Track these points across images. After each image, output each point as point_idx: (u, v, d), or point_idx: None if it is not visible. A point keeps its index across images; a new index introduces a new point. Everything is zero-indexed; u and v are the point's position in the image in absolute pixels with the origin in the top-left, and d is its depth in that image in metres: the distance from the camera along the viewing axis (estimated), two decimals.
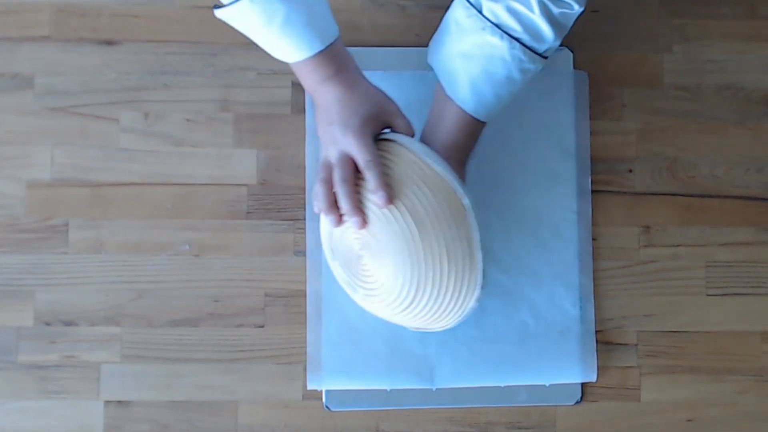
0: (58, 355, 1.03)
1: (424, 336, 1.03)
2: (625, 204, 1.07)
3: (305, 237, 1.04)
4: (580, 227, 1.06)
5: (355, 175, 0.91)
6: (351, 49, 0.95)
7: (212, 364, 1.03)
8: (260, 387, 1.03)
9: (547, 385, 1.04)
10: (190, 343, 1.03)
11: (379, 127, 0.94)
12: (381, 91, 0.95)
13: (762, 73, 1.10)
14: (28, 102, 1.05)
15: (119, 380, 1.03)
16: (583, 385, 1.05)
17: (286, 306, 1.04)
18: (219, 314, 1.04)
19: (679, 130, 1.09)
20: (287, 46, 0.91)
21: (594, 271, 1.06)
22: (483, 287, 0.93)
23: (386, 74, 1.04)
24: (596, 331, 1.05)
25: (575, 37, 1.00)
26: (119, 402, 1.03)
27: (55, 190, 1.04)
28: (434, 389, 1.03)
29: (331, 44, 0.92)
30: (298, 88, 1.06)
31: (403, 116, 0.95)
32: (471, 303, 0.93)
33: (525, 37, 0.92)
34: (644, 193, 1.08)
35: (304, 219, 1.05)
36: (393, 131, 0.95)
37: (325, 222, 0.94)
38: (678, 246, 1.07)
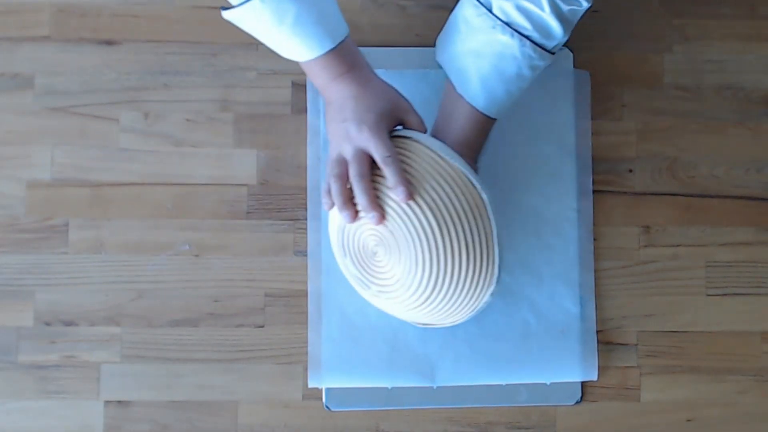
0: (58, 355, 1.03)
1: (424, 334, 1.03)
2: (625, 204, 1.07)
3: (305, 237, 1.04)
4: (581, 226, 1.06)
5: (371, 170, 0.91)
6: None
7: (212, 364, 1.03)
8: (260, 387, 1.03)
9: (548, 383, 1.04)
10: (190, 343, 1.03)
11: (393, 123, 0.94)
12: (393, 88, 0.96)
13: (762, 73, 1.10)
14: (28, 102, 1.05)
15: (119, 380, 1.03)
16: (583, 384, 1.05)
17: (286, 306, 1.04)
18: (219, 314, 1.04)
19: (679, 130, 1.09)
20: (298, 45, 0.91)
21: (594, 271, 1.06)
22: (498, 281, 0.93)
23: (387, 73, 1.04)
24: (597, 331, 1.05)
25: (575, 37, 1.00)
26: (119, 402, 1.03)
27: (55, 190, 1.04)
28: (435, 387, 1.03)
29: (342, 42, 0.92)
30: (298, 88, 1.06)
31: (416, 113, 0.96)
32: (486, 297, 0.94)
33: (535, 35, 0.93)
34: (644, 193, 1.08)
35: (305, 219, 1.05)
36: (405, 128, 0.96)
37: (336, 218, 0.94)
38: (678, 246, 1.07)
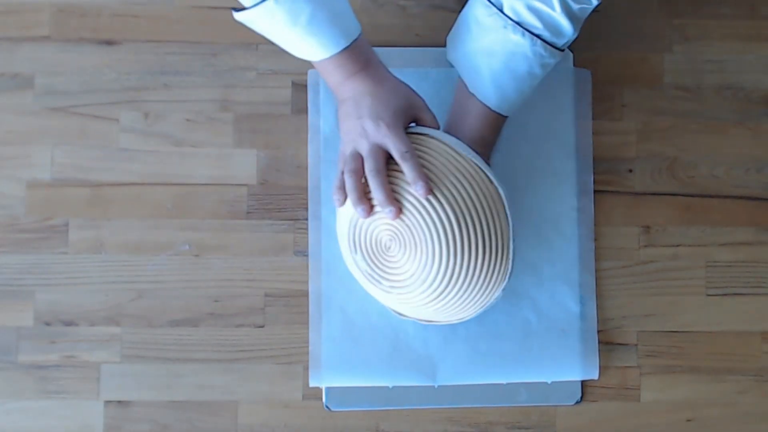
0: (58, 355, 1.03)
1: (425, 333, 1.03)
2: (625, 204, 1.07)
3: (305, 237, 1.04)
4: (581, 225, 1.06)
5: (386, 166, 0.91)
6: None
7: (212, 364, 1.03)
8: (260, 387, 1.03)
9: (549, 382, 1.04)
10: (190, 343, 1.03)
11: (408, 120, 0.95)
12: (407, 86, 0.97)
13: (762, 73, 1.10)
14: (28, 102, 1.05)
15: (119, 380, 1.03)
16: (583, 384, 1.05)
17: (286, 306, 1.04)
18: (219, 314, 1.04)
19: (679, 130, 1.09)
20: (312, 45, 0.92)
21: (595, 271, 1.06)
22: (510, 277, 0.94)
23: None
24: (597, 331, 1.05)
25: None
26: (119, 402, 1.03)
27: (55, 190, 1.04)
28: (436, 386, 1.03)
29: (356, 40, 0.93)
30: (298, 88, 1.06)
31: (429, 110, 0.97)
32: (498, 293, 0.95)
33: (546, 34, 0.94)
34: (644, 193, 1.08)
35: (305, 219, 1.05)
36: (418, 125, 0.96)
37: (347, 214, 0.94)
38: (678, 246, 1.07)
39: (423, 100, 0.97)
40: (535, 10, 0.92)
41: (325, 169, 1.04)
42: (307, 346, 1.03)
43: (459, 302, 0.94)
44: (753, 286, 1.07)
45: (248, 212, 1.05)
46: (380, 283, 0.94)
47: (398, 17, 1.08)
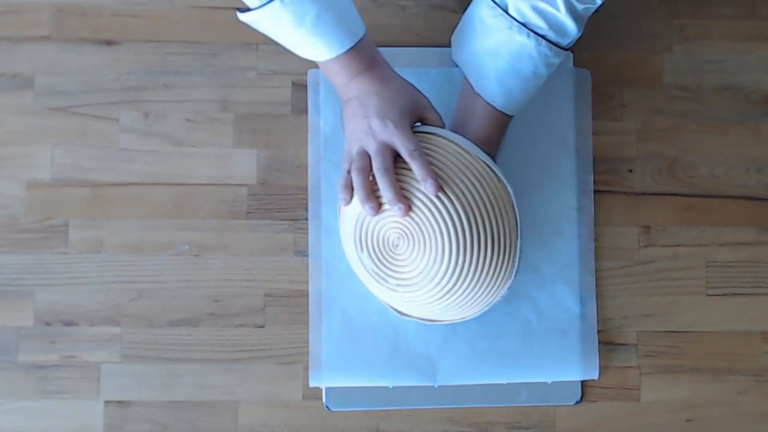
0: (58, 355, 1.03)
1: (425, 333, 1.03)
2: (625, 204, 1.07)
3: (305, 237, 1.04)
4: (581, 225, 1.06)
5: (394, 164, 0.92)
6: None
7: (212, 364, 1.03)
8: (260, 387, 1.03)
9: (549, 382, 1.04)
10: (190, 343, 1.03)
11: (414, 120, 0.95)
12: (413, 85, 0.97)
13: (762, 73, 1.10)
14: (28, 102, 1.05)
15: (119, 380, 1.03)
16: (583, 384, 1.05)
17: (286, 306, 1.04)
18: (219, 314, 1.04)
19: (679, 130, 1.09)
20: (318, 45, 0.92)
21: (595, 271, 1.06)
22: (516, 275, 0.95)
23: None
24: (597, 331, 1.05)
25: None
26: (119, 402, 1.03)
27: (55, 190, 1.04)
28: (436, 386, 1.03)
29: (361, 40, 0.93)
30: (298, 88, 1.06)
31: (435, 110, 0.97)
32: (504, 291, 0.95)
33: (550, 34, 0.94)
34: (644, 193, 1.08)
35: (305, 219, 1.05)
36: (424, 125, 0.97)
37: (353, 213, 0.94)
38: (678, 246, 1.07)
39: (428, 100, 0.97)
40: (539, 10, 0.93)
41: (325, 169, 1.04)
42: (307, 346, 1.03)
43: (465, 300, 0.94)
44: (753, 286, 1.07)
45: (248, 212, 1.05)
46: (387, 281, 0.94)
47: (398, 17, 1.08)
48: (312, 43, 0.92)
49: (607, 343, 1.06)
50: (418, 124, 0.97)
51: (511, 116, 1.00)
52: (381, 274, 0.94)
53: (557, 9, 0.93)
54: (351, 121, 0.95)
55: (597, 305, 1.05)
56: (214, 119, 1.06)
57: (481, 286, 0.93)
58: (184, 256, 1.04)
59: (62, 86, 1.05)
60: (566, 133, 1.07)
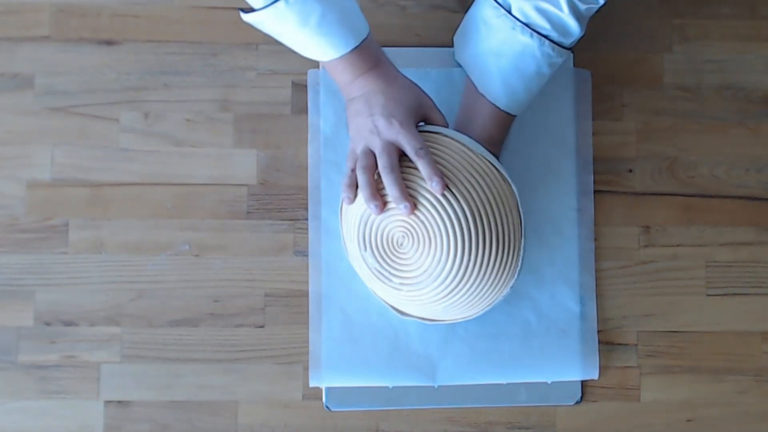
0: (58, 355, 1.03)
1: (425, 333, 1.03)
2: (625, 204, 1.07)
3: (305, 237, 1.04)
4: (582, 225, 1.06)
5: (400, 163, 0.92)
6: None
7: (212, 364, 1.03)
8: (260, 387, 1.03)
9: (549, 382, 1.04)
10: (190, 343, 1.03)
11: (418, 119, 0.96)
12: (417, 85, 0.97)
13: (762, 73, 1.10)
14: (28, 102, 1.05)
15: (119, 380, 1.03)
16: (583, 384, 1.05)
17: (286, 306, 1.04)
18: (219, 314, 1.04)
19: (679, 130, 1.09)
20: (322, 45, 0.92)
21: (595, 271, 1.06)
22: (519, 274, 0.95)
23: None
24: (597, 331, 1.05)
25: None
26: (119, 402, 1.03)
27: (55, 190, 1.04)
28: (436, 387, 1.03)
29: (365, 39, 0.93)
30: (298, 88, 1.06)
31: (438, 110, 0.98)
32: (506, 290, 0.96)
33: (553, 34, 0.95)
34: (644, 193, 1.08)
35: (305, 219, 1.05)
36: (427, 125, 0.97)
37: (356, 212, 0.94)
38: (678, 246, 1.07)
39: (431, 100, 0.98)
40: (542, 11, 0.93)
41: (325, 169, 1.04)
42: (307, 346, 1.03)
43: (468, 299, 0.94)
44: (753, 286, 1.07)
45: (248, 212, 1.05)
46: (390, 280, 0.94)
47: (398, 17, 1.08)
48: (316, 43, 0.92)
49: (607, 343, 1.06)
50: (422, 123, 0.97)
51: (515, 116, 1.00)
52: (384, 272, 0.94)
53: (560, 9, 0.93)
54: (355, 119, 0.95)
55: (597, 305, 1.05)
56: (214, 119, 1.06)
57: (484, 285, 0.93)
58: (184, 256, 1.04)
59: (62, 86, 1.05)
60: (566, 133, 1.07)
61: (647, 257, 1.07)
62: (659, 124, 1.09)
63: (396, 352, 1.03)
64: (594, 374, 1.04)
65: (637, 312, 1.06)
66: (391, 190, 0.90)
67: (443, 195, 0.90)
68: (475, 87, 0.99)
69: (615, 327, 1.06)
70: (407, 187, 0.91)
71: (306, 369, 1.03)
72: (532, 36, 0.94)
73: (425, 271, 0.92)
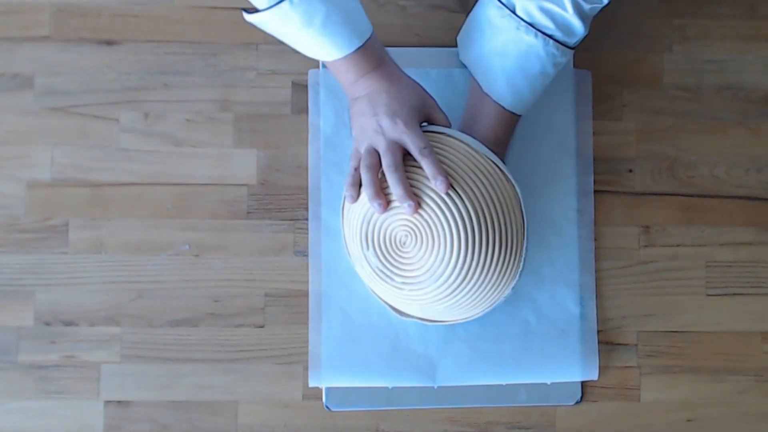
0: (58, 355, 1.03)
1: (425, 334, 1.03)
2: (625, 204, 1.07)
3: (305, 237, 1.04)
4: (582, 226, 1.06)
5: (404, 162, 0.92)
6: None
7: (212, 364, 1.03)
8: (260, 387, 1.03)
9: (549, 383, 1.04)
10: (190, 343, 1.03)
11: (422, 119, 0.96)
12: (420, 85, 0.97)
13: (762, 73, 1.10)
14: (28, 102, 1.05)
15: (119, 380, 1.03)
16: (583, 384, 1.05)
17: (286, 306, 1.04)
18: (219, 314, 1.04)
19: (679, 130, 1.09)
20: (326, 45, 0.92)
21: (595, 271, 1.06)
22: (521, 275, 0.95)
23: None
24: (597, 331, 1.05)
25: None
26: (119, 402, 1.03)
27: (55, 190, 1.04)
28: (436, 387, 1.03)
29: (369, 39, 0.94)
30: (298, 88, 1.06)
31: (441, 110, 0.98)
32: (508, 290, 0.96)
33: (558, 34, 0.95)
34: (644, 193, 1.08)
35: (305, 219, 1.05)
36: (430, 125, 0.97)
37: (359, 211, 0.94)
38: (678, 246, 1.07)
39: (434, 100, 0.98)
40: (547, 11, 0.93)
41: (325, 169, 1.04)
42: (307, 346, 1.03)
43: (470, 299, 0.94)
44: (753, 286, 1.07)
45: (248, 212, 1.05)
46: (392, 279, 0.94)
47: (398, 17, 1.08)
48: (320, 44, 0.92)
49: (607, 344, 1.06)
50: (425, 123, 0.97)
51: (519, 116, 1.00)
52: (386, 272, 0.94)
53: (564, 9, 0.93)
54: (359, 119, 0.95)
55: (597, 305, 1.05)
56: (214, 119, 1.06)
57: (486, 286, 0.93)
58: (184, 256, 1.04)
59: (62, 86, 1.06)
60: (566, 134, 1.07)
61: (647, 257, 1.07)
62: (659, 124, 1.09)
63: (396, 352, 1.03)
64: (594, 374, 1.04)
65: (637, 312, 1.06)
66: (395, 188, 0.90)
67: (447, 194, 0.90)
68: (480, 87, 0.99)
69: (615, 327, 1.06)
70: (411, 186, 0.91)
71: (306, 369, 1.03)
72: (536, 36, 0.94)
73: (428, 270, 0.92)
